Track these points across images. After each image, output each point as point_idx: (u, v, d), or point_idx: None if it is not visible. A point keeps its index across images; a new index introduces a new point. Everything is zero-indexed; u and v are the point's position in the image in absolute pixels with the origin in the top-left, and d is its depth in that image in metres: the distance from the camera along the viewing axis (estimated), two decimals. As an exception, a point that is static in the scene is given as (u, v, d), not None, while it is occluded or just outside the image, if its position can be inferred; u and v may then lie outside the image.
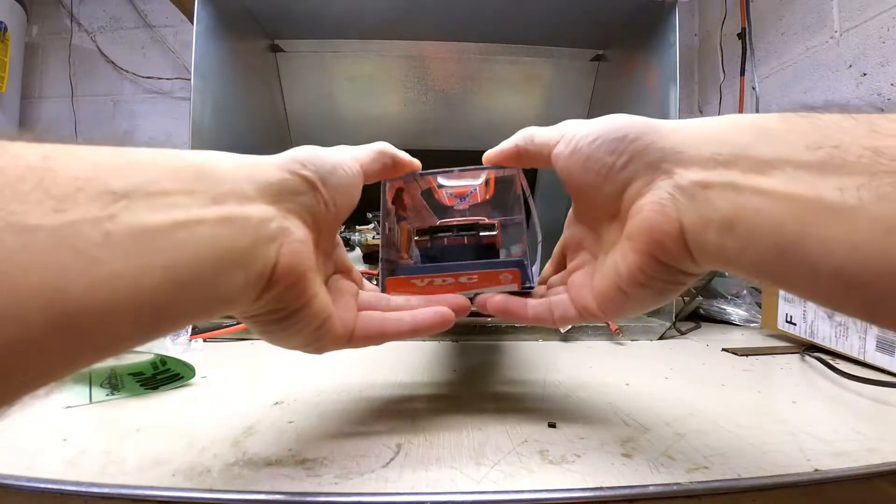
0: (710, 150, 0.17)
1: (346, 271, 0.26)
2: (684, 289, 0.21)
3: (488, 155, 0.27)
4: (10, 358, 0.11)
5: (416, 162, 0.28)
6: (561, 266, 0.28)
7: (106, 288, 0.12)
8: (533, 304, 0.25)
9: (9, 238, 0.11)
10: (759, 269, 0.16)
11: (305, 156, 0.20)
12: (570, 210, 0.27)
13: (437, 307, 0.24)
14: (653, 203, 0.18)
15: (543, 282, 0.29)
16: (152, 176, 0.15)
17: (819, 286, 0.15)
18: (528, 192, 0.28)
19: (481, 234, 0.31)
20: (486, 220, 0.32)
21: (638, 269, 0.19)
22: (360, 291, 0.26)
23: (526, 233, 0.28)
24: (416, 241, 0.31)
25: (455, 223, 0.32)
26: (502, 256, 0.31)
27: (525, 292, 0.26)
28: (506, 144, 0.26)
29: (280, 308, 0.19)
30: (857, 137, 0.15)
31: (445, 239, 0.31)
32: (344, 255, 0.27)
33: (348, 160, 0.23)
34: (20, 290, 0.11)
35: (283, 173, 0.19)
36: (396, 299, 0.25)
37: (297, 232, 0.19)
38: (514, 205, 0.31)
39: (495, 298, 0.25)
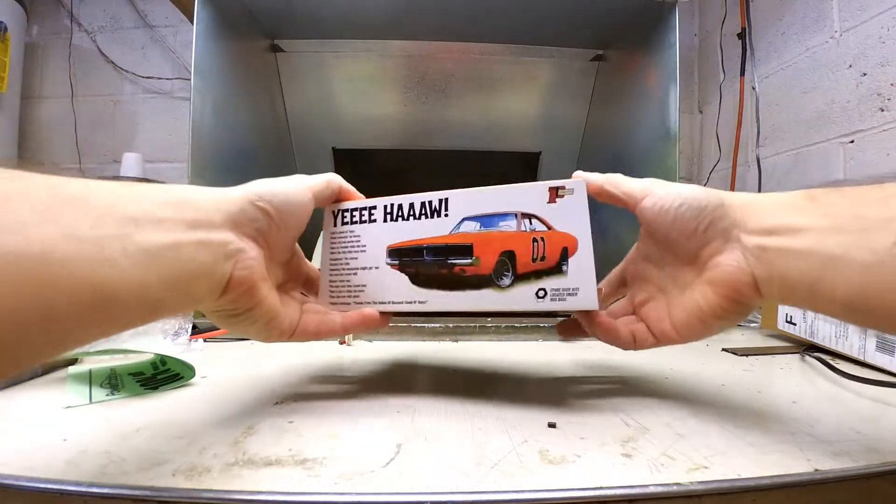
0: (764, 221, 0.24)
1: (301, 279, 0.33)
2: (748, 315, 0.28)
3: (577, 175, 0.31)
4: (65, 323, 0.17)
5: (352, 190, 0.33)
6: (618, 290, 0.34)
7: (124, 284, 0.18)
8: (619, 326, 0.30)
9: (67, 243, 0.17)
10: (802, 303, 0.24)
11: (262, 189, 0.26)
12: (637, 248, 0.32)
13: (363, 310, 0.30)
14: (731, 260, 0.25)
15: (602, 300, 0.32)
16: (153, 206, 0.20)
17: (837, 311, 0.22)
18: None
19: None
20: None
21: (719, 307, 0.26)
22: (310, 299, 0.33)
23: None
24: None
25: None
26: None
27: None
28: (592, 178, 0.30)
29: (235, 307, 0.25)
30: (848, 208, 0.22)
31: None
32: (301, 266, 0.33)
33: (300, 189, 0.28)
34: (74, 279, 0.17)
35: (244, 204, 0.25)
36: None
37: (251, 252, 0.24)
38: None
39: (603, 321, 0.29)
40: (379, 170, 0.87)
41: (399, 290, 0.30)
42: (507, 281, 0.28)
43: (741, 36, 0.93)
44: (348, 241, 0.32)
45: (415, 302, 0.30)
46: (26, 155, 1.09)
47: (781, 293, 0.24)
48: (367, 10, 0.70)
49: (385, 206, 0.31)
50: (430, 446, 0.24)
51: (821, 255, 0.21)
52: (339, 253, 0.32)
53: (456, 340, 0.50)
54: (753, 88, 0.91)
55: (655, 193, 0.28)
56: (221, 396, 0.32)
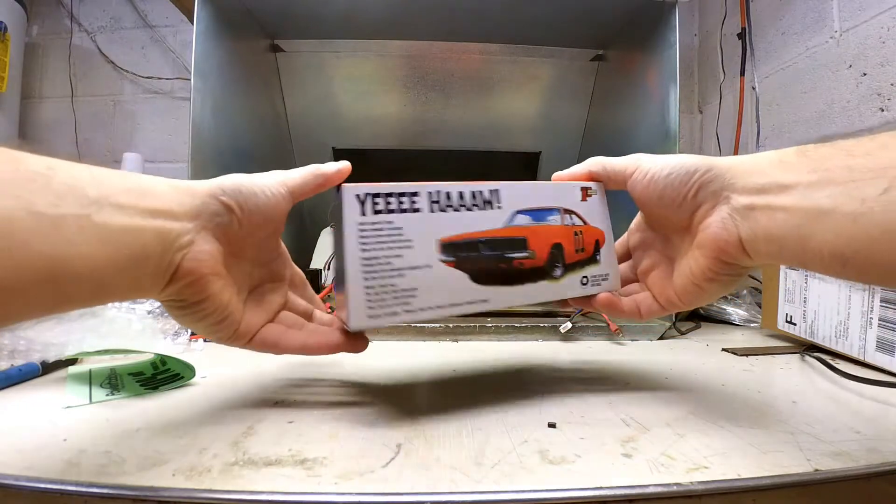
0: (752, 181, 0.24)
1: (285, 283, 0.31)
2: (743, 279, 0.29)
3: (558, 175, 0.33)
4: (20, 294, 0.18)
5: (345, 167, 0.29)
6: (622, 259, 0.34)
7: (78, 261, 0.19)
8: (626, 302, 0.31)
9: (28, 217, 0.17)
10: (793, 261, 0.24)
11: (228, 184, 0.25)
12: (639, 218, 0.33)
13: (325, 337, 0.29)
14: (717, 221, 0.25)
15: None
16: (114, 191, 0.21)
17: (829, 266, 0.21)
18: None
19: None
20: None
21: (708, 269, 0.26)
22: (286, 312, 0.30)
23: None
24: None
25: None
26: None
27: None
28: (577, 169, 0.32)
29: (181, 299, 0.24)
30: (839, 161, 0.21)
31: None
32: (284, 269, 0.31)
33: (271, 184, 0.27)
34: (33, 252, 0.17)
35: (206, 198, 0.24)
36: (312, 323, 0.31)
37: (205, 245, 0.24)
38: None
39: (602, 297, 0.31)
40: (379, 170, 0.87)
41: (459, 291, 0.27)
42: (559, 272, 0.30)
43: (741, 36, 0.92)
44: (387, 235, 0.26)
45: (477, 301, 0.28)
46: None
47: (768, 250, 0.24)
48: (367, 10, 0.70)
49: (429, 193, 0.27)
50: (430, 446, 0.24)
51: (808, 210, 0.21)
52: (374, 250, 0.25)
53: (456, 340, 0.50)
54: (753, 88, 0.91)
55: (643, 166, 0.29)
56: (221, 396, 0.32)
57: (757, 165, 0.25)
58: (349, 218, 0.25)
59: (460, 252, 0.27)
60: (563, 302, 0.32)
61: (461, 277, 0.27)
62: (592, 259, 0.31)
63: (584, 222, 0.32)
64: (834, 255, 0.21)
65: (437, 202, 0.27)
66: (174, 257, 0.23)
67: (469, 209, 0.28)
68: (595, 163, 0.32)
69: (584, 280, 0.31)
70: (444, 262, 0.27)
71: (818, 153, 0.22)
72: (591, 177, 0.32)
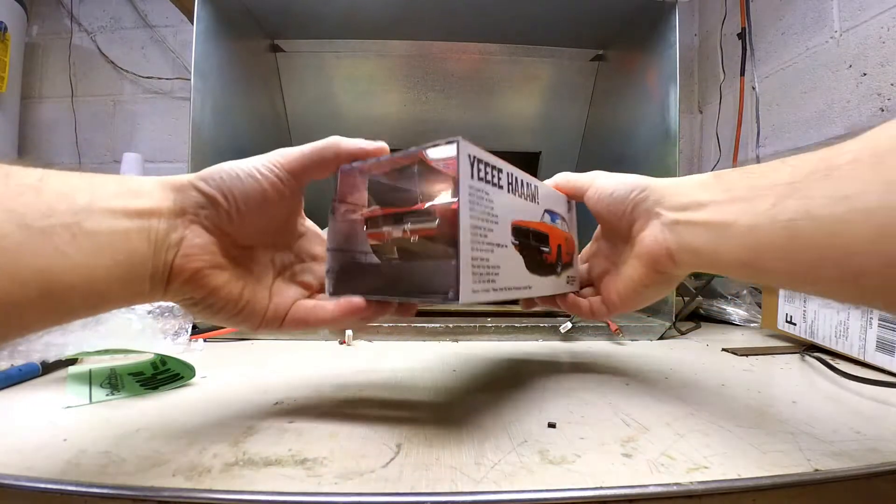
0: (677, 200, 0.28)
1: (317, 259, 0.30)
2: (675, 285, 0.33)
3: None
4: (14, 310, 0.17)
5: (373, 146, 0.27)
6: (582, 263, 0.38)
7: (72, 273, 0.18)
8: (583, 303, 0.35)
9: (18, 232, 0.17)
10: (710, 268, 0.27)
11: (210, 174, 0.24)
12: (597, 231, 0.37)
13: (351, 299, 0.26)
14: (650, 234, 0.29)
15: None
16: (105, 195, 0.20)
17: (736, 270, 0.25)
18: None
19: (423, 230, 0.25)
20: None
21: (645, 276, 0.30)
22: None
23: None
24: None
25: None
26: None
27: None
28: (547, 182, 0.34)
29: (188, 297, 0.24)
30: (744, 181, 0.24)
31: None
32: (315, 245, 0.30)
33: (261, 167, 0.25)
34: (24, 267, 0.17)
35: (189, 191, 0.23)
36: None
37: (195, 239, 0.23)
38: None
39: (570, 297, 0.35)
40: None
41: (519, 275, 0.27)
42: (559, 269, 0.33)
43: (741, 36, 0.92)
44: (485, 205, 0.24)
45: (525, 288, 0.28)
46: (26, 155, 1.09)
47: (690, 259, 0.27)
48: (368, 10, 0.70)
49: (509, 174, 0.26)
50: (430, 446, 0.24)
51: (717, 224, 0.25)
52: (477, 219, 0.23)
53: (456, 340, 0.50)
54: (753, 88, 0.91)
55: (595, 184, 0.33)
56: (221, 396, 0.32)
57: (682, 187, 0.28)
58: (464, 178, 0.23)
59: (522, 237, 0.28)
60: (531, 301, 0.36)
61: (521, 262, 0.28)
62: (572, 261, 0.35)
63: (569, 229, 0.35)
64: (738, 262, 0.24)
65: (511, 184, 0.27)
66: (166, 256, 0.22)
67: (524, 198, 0.29)
68: (561, 177, 0.35)
69: (569, 279, 0.35)
70: (513, 244, 0.27)
71: (730, 176, 0.26)
72: (557, 188, 0.35)
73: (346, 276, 0.27)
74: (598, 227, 0.37)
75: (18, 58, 1.00)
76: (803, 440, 0.25)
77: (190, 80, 0.54)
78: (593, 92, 0.84)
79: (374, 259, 0.27)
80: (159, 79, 1.11)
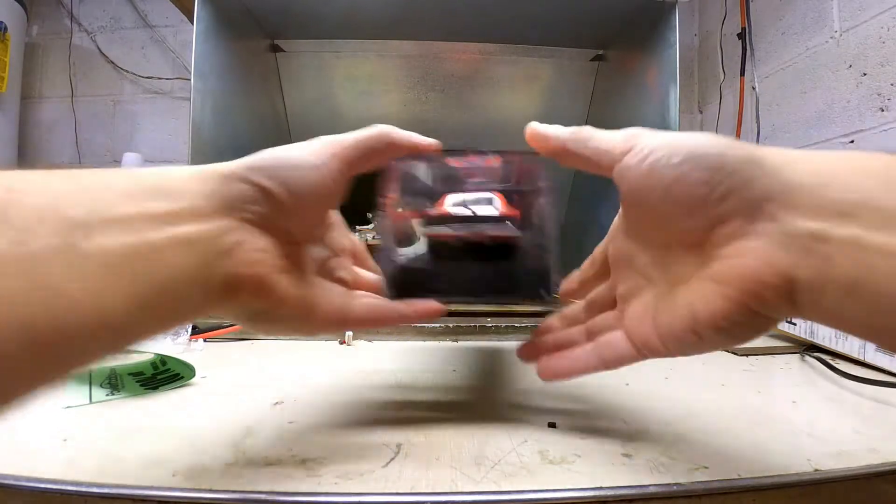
0: (828, 196, 0.15)
1: (345, 252, 0.27)
2: (767, 331, 0.19)
3: (532, 130, 0.24)
4: (13, 370, 0.12)
5: (425, 142, 0.25)
6: (601, 274, 0.26)
7: (71, 316, 0.13)
8: (579, 356, 0.23)
9: None
10: (883, 334, 0.15)
11: (261, 162, 0.20)
12: (619, 220, 0.24)
13: (430, 303, 0.24)
14: (758, 250, 0.16)
15: (579, 289, 0.28)
16: (109, 201, 0.15)
17: None
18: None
19: (498, 233, 0.25)
20: (500, 206, 0.27)
21: (723, 317, 0.17)
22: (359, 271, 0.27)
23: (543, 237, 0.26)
24: (425, 234, 0.26)
25: (461, 215, 0.26)
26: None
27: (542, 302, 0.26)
28: (553, 133, 0.23)
29: (249, 310, 0.20)
30: None
31: (451, 238, 0.26)
32: (343, 237, 0.27)
33: (318, 153, 0.22)
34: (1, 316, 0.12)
35: (237, 183, 0.19)
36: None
37: (254, 241, 0.19)
38: (527, 199, 0.27)
39: (543, 362, 0.25)
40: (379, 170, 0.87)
41: None
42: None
43: (741, 36, 0.93)
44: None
45: None
46: (26, 155, 1.09)
47: (839, 312, 0.15)
48: (368, 10, 0.70)
49: None
50: (430, 446, 0.24)
51: None
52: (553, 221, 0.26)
53: (456, 340, 0.50)
54: (753, 88, 0.91)
55: (642, 145, 0.19)
56: (221, 396, 0.32)
57: (836, 172, 0.16)
58: (545, 183, 0.26)
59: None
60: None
61: None
62: None
63: None
64: None
65: None
66: (219, 267, 0.18)
67: None
68: (582, 134, 0.22)
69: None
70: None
71: None
72: (567, 152, 0.23)
73: (408, 277, 0.26)
74: (619, 214, 0.24)
75: (18, 58, 1.01)
76: (803, 440, 0.25)
77: (190, 80, 0.54)
78: (593, 92, 0.84)
79: (434, 260, 0.26)
80: (159, 79, 1.11)
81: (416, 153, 0.25)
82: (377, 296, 0.25)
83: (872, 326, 0.15)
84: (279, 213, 0.20)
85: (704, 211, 0.18)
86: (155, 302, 0.15)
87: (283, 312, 0.20)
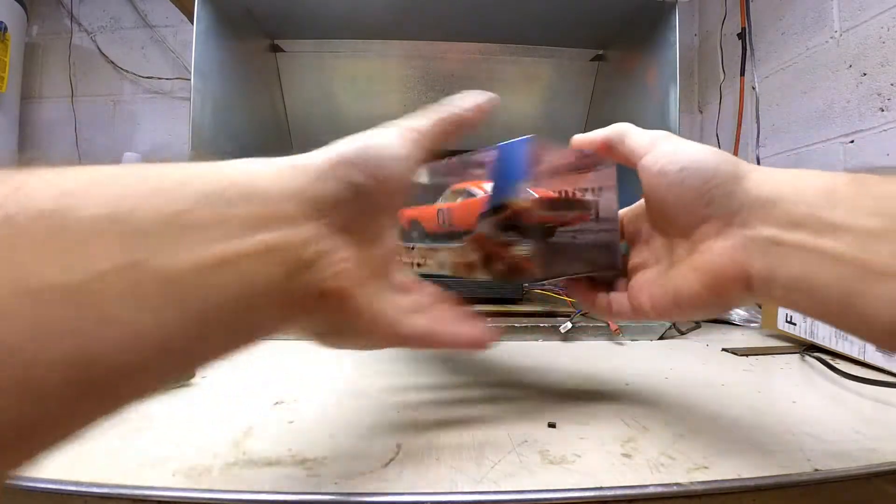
0: (783, 209, 0.19)
1: (395, 254, 0.25)
2: (732, 308, 0.23)
3: (577, 140, 0.28)
4: (25, 430, 0.10)
5: (484, 98, 0.24)
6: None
7: (131, 350, 0.11)
8: (600, 298, 0.28)
9: (22, 305, 0.10)
10: (821, 316, 0.19)
11: (354, 154, 0.18)
12: (643, 202, 0.28)
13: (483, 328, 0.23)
14: (724, 249, 0.20)
15: None
16: (183, 204, 0.13)
17: (874, 335, 0.17)
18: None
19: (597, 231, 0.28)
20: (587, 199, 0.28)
21: (697, 297, 0.22)
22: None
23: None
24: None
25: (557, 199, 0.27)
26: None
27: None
28: (596, 134, 0.27)
29: (324, 325, 0.19)
30: None
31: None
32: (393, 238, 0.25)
33: (401, 147, 0.20)
34: (35, 368, 0.10)
35: (332, 182, 0.17)
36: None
37: (342, 251, 0.17)
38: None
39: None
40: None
41: None
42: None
43: (741, 36, 0.93)
44: None
45: None
46: (26, 155, 1.09)
47: (790, 298, 0.19)
48: (368, 10, 0.70)
49: None
50: (430, 446, 0.24)
51: (864, 265, 0.16)
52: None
53: (456, 340, 0.50)
54: (753, 88, 0.91)
55: (658, 151, 0.23)
56: (221, 396, 0.32)
57: (795, 190, 0.19)
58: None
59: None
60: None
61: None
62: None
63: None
64: (888, 331, 0.16)
65: None
66: (301, 280, 0.16)
67: None
68: (619, 131, 0.26)
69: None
70: None
71: (882, 189, 0.17)
72: (606, 147, 0.27)
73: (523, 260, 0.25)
74: (643, 199, 0.27)
75: (18, 58, 1.00)
76: (803, 440, 0.25)
77: (190, 80, 0.54)
78: (593, 92, 0.84)
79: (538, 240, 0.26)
80: (159, 79, 1.11)
81: (482, 117, 0.24)
82: (427, 306, 0.23)
83: (815, 311, 0.19)
84: (364, 213, 0.18)
85: (695, 211, 0.22)
86: (225, 321, 0.14)
87: (358, 326, 0.18)
